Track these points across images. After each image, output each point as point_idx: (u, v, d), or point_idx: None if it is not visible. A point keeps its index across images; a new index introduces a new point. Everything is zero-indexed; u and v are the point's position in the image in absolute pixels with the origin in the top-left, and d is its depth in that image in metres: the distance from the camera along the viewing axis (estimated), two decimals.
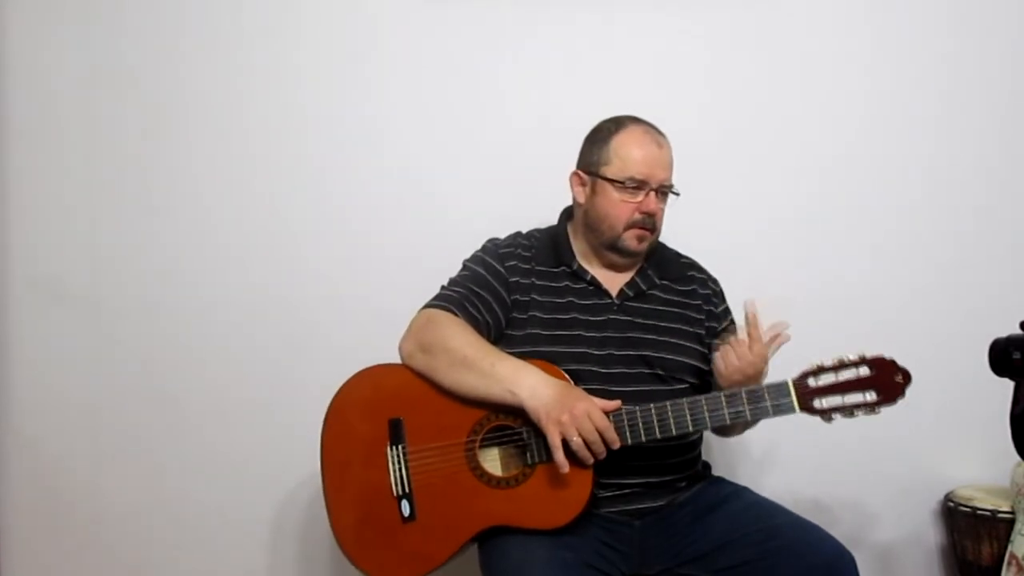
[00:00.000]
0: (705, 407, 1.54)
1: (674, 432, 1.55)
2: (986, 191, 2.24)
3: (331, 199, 2.20)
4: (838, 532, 1.56)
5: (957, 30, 2.25)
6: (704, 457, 1.78)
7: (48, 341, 2.20)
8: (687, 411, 1.54)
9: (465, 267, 1.75)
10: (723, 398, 1.54)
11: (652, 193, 1.67)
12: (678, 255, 1.83)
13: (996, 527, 2.01)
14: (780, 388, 1.54)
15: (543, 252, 1.75)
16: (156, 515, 2.19)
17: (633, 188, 1.67)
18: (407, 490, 1.59)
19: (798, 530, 1.55)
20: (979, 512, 2.04)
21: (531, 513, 1.54)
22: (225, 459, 2.19)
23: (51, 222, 2.20)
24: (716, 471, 1.81)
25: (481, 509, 1.56)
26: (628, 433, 1.54)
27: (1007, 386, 1.31)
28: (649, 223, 1.69)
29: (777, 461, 2.21)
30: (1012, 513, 2.00)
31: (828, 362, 1.53)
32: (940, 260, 2.23)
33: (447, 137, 2.21)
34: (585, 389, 1.57)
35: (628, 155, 1.68)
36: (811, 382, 1.53)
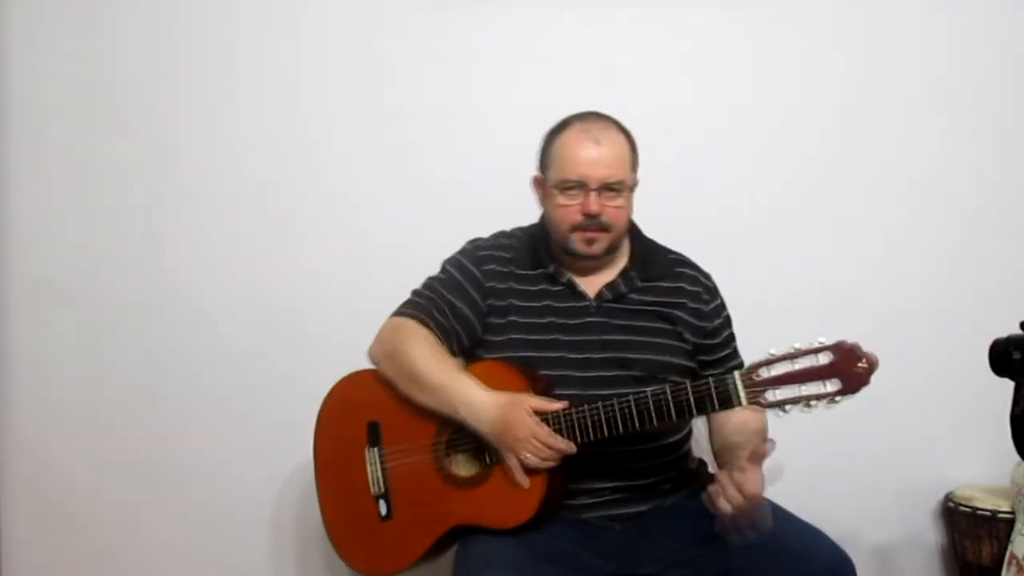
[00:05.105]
0: (650, 398, 1.48)
1: (622, 428, 1.48)
2: (986, 191, 2.23)
3: (329, 200, 2.21)
4: (837, 532, 1.54)
5: (954, 31, 2.24)
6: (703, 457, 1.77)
7: (48, 342, 2.21)
8: (632, 403, 1.49)
9: (442, 269, 1.73)
10: (667, 389, 1.47)
11: (592, 194, 1.60)
12: (667, 251, 1.76)
13: (996, 527, 2.00)
14: (725, 379, 1.43)
15: (523, 254, 1.71)
16: (155, 515, 2.20)
17: (572, 191, 1.62)
18: (383, 490, 1.65)
19: (797, 533, 1.52)
20: (979, 512, 2.04)
21: (490, 513, 1.55)
22: (223, 459, 2.19)
23: (50, 223, 2.21)
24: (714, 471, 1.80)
25: (446, 509, 1.59)
26: (579, 433, 1.51)
27: (1007, 386, 1.30)
28: (594, 224, 1.61)
29: (776, 461, 2.20)
30: (1012, 513, 1.99)
31: (782, 351, 1.40)
32: (940, 260, 2.22)
33: (448, 139, 2.20)
34: (564, 394, 1.55)
35: (564, 157, 1.62)
36: (763, 372, 1.40)
